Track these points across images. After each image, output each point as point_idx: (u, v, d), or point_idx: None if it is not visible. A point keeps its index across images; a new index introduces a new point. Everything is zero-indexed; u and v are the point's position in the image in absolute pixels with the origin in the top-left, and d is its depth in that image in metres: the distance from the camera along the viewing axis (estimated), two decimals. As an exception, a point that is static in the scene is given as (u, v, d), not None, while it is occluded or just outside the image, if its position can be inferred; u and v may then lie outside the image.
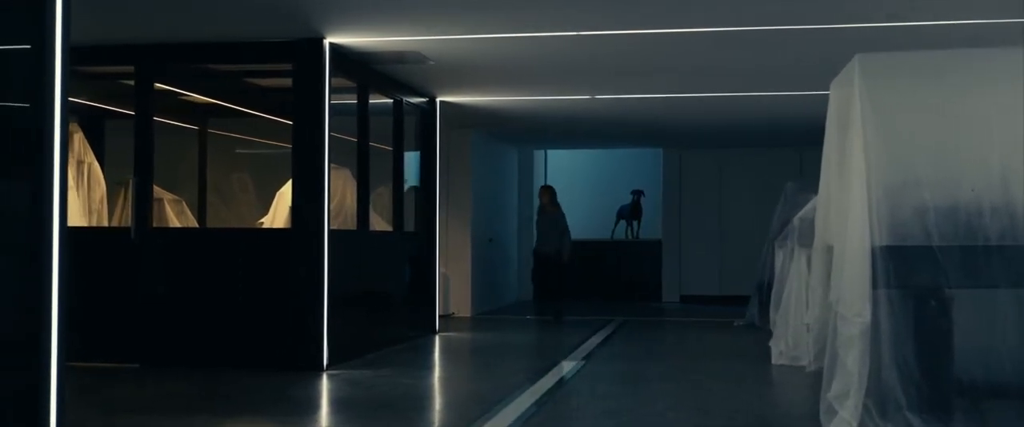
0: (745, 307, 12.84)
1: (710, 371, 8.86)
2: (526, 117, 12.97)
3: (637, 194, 17.65)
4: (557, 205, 13.90)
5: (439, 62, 9.24)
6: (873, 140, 5.72)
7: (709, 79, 10.30)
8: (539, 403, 7.02)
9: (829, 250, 6.49)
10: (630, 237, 17.99)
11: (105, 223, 9.67)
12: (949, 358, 5.74)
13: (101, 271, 8.68)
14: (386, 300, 10.40)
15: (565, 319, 13.53)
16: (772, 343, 9.46)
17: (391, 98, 10.54)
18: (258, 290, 8.54)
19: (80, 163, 9.44)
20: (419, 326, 11.30)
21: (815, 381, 7.00)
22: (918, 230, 5.70)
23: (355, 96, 9.47)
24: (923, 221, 5.69)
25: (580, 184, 18.25)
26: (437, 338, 11.28)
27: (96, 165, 9.66)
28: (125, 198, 9.64)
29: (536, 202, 15.17)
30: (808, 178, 10.72)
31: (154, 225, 9.01)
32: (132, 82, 9.02)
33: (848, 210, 5.82)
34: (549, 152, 18.53)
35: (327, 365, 8.42)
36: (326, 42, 8.43)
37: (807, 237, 8.52)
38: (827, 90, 6.96)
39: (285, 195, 9.58)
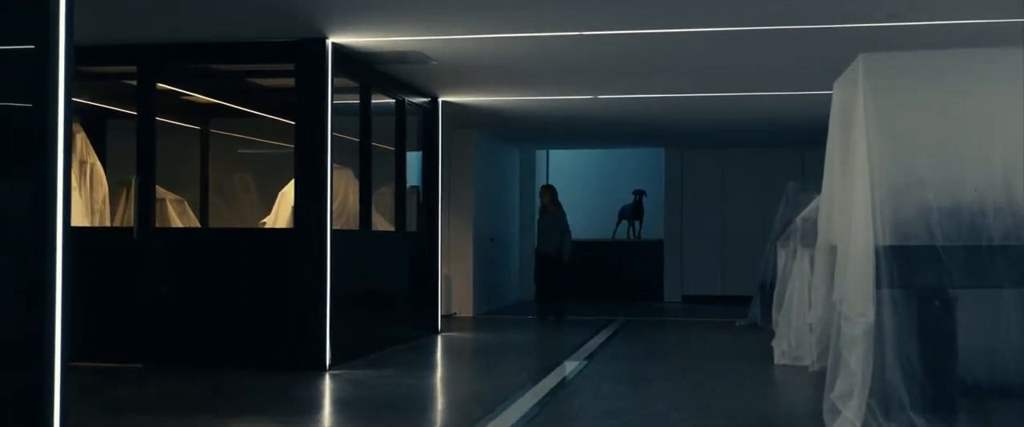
0: (747, 307, 12.82)
1: (712, 371, 8.85)
2: (528, 117, 12.97)
3: (639, 194, 17.63)
4: (558, 205, 13.88)
5: (441, 62, 9.24)
6: (877, 140, 5.72)
7: (710, 79, 10.30)
8: (541, 403, 7.02)
9: (832, 250, 6.49)
10: (632, 237, 17.97)
11: (107, 223, 9.67)
12: (953, 358, 5.74)
13: (104, 271, 8.69)
14: (388, 300, 10.40)
15: (567, 319, 13.53)
16: (774, 343, 9.45)
17: (393, 98, 10.54)
18: (260, 290, 8.54)
19: (83, 163, 9.44)
20: (421, 326, 11.30)
21: (818, 381, 7.00)
22: (922, 230, 5.70)
23: (357, 96, 9.47)
24: (927, 221, 5.69)
25: (581, 184, 18.24)
26: (439, 338, 11.28)
27: (98, 165, 9.66)
28: (127, 198, 9.63)
29: (538, 202, 15.16)
30: (809, 178, 10.77)
31: (156, 225, 9.01)
32: (134, 82, 9.04)
33: (852, 210, 5.83)
34: (551, 152, 18.52)
35: (329, 365, 8.43)
36: (328, 42, 8.44)
37: (810, 237, 8.51)
38: (828, 90, 6.97)
39: (287, 195, 9.57)
